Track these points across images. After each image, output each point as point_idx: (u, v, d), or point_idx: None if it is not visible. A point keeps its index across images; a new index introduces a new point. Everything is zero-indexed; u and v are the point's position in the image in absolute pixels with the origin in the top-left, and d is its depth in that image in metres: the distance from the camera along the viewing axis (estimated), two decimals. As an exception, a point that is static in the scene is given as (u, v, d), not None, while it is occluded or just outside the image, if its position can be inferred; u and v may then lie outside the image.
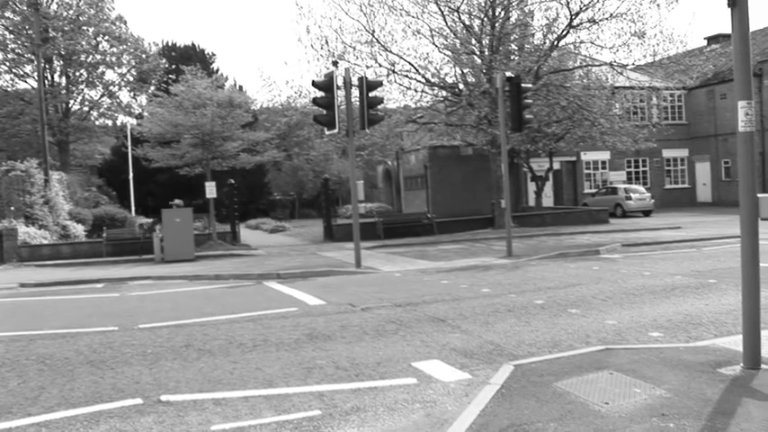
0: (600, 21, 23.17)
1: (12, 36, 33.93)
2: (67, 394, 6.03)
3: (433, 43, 23.92)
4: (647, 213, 30.19)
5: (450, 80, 24.61)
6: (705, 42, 40.18)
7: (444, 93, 25.03)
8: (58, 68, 35.62)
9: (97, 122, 39.24)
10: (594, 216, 26.95)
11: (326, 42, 23.20)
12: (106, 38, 35.93)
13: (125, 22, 36.90)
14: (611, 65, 23.83)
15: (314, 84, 15.46)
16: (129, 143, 34.22)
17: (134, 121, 36.08)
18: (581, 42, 24.16)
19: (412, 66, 23.73)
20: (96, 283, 15.05)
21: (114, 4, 49.11)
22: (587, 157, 35.29)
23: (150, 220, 24.94)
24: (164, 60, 39.71)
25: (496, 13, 23.83)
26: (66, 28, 34.27)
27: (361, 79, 15.31)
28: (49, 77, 34.84)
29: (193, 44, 45.67)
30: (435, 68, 23.88)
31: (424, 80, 24.00)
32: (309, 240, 24.52)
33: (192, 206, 22.55)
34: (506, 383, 5.58)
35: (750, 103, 5.57)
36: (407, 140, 35.18)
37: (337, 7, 25.59)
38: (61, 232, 23.26)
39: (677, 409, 4.80)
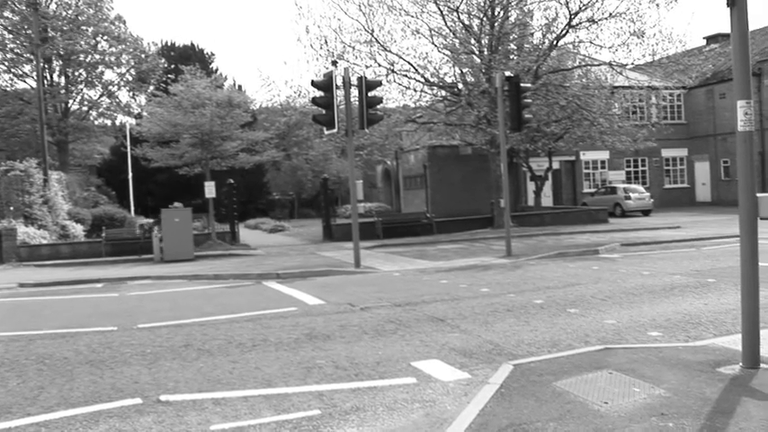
0: (599, 20, 23.17)
1: (11, 36, 33.90)
2: (67, 394, 6.02)
3: (433, 43, 23.93)
4: (646, 213, 30.20)
5: (449, 80, 24.61)
6: (704, 42, 40.18)
7: (443, 92, 25.02)
8: (57, 68, 35.61)
9: (96, 122, 39.26)
10: (594, 216, 26.96)
11: (326, 42, 23.20)
12: (105, 37, 35.92)
13: (124, 22, 36.93)
14: (610, 64, 23.83)
15: (313, 83, 15.46)
16: (129, 143, 34.22)
17: (133, 121, 36.11)
18: (580, 42, 24.16)
19: (411, 65, 23.73)
20: (95, 283, 15.04)
21: (113, 4, 49.03)
22: (586, 156, 35.30)
23: (151, 221, 24.93)
24: (163, 60, 39.70)
25: (496, 13, 23.83)
26: (65, 28, 34.25)
27: (360, 79, 15.30)
28: (48, 77, 34.83)
29: (192, 44, 45.70)
30: (434, 68, 23.89)
31: (423, 80, 23.99)
32: (308, 240, 24.52)
33: (191, 206, 22.54)
34: (506, 383, 5.58)
35: (749, 102, 5.57)
36: (407, 140, 35.18)
37: (336, 7, 25.65)
38: (60, 232, 23.25)
39: (676, 409, 4.80)
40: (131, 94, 39.25)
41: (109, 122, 40.71)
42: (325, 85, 15.11)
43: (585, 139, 25.88)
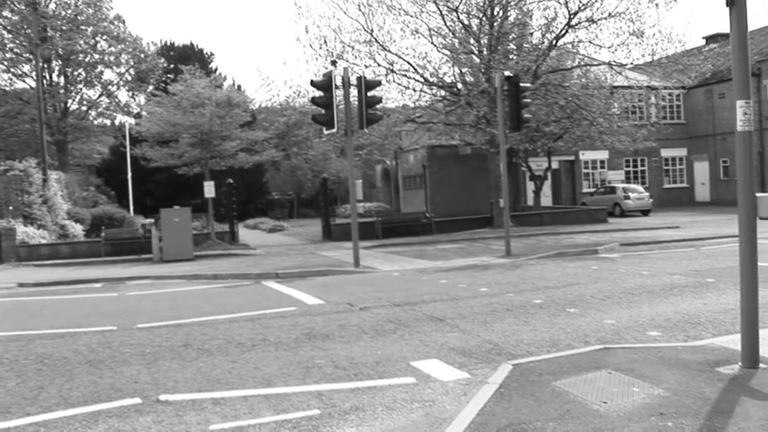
0: (598, 20, 23.17)
1: (10, 35, 33.88)
2: (66, 394, 6.02)
3: (432, 43, 23.94)
4: (645, 213, 30.22)
5: (448, 79, 24.62)
6: (704, 42, 40.17)
7: (443, 92, 25.02)
8: (57, 68, 35.61)
9: (95, 122, 39.25)
10: (593, 215, 26.96)
11: (325, 42, 23.20)
12: (104, 37, 35.91)
13: (123, 22, 36.92)
14: (609, 64, 23.84)
15: (312, 83, 15.45)
16: (128, 143, 34.19)
17: (132, 121, 36.11)
18: (579, 42, 24.16)
19: (410, 65, 23.73)
20: (95, 283, 15.04)
21: (113, 4, 49.16)
22: (586, 156, 35.31)
23: (151, 221, 24.93)
24: (162, 60, 39.71)
25: (495, 13, 23.83)
26: (64, 27, 34.24)
27: (359, 79, 15.30)
28: (48, 77, 34.82)
29: (192, 44, 45.72)
30: (434, 68, 23.90)
31: (422, 79, 23.99)
32: (308, 240, 24.52)
33: (190, 206, 22.56)
34: (505, 383, 5.58)
35: (748, 102, 5.57)
36: (406, 140, 35.19)
37: (336, 7, 25.62)
38: (60, 232, 23.24)
39: (675, 409, 4.80)
40: (131, 93, 39.29)
41: (108, 122, 40.72)
42: (325, 84, 15.11)
43: (585, 138, 25.89)
